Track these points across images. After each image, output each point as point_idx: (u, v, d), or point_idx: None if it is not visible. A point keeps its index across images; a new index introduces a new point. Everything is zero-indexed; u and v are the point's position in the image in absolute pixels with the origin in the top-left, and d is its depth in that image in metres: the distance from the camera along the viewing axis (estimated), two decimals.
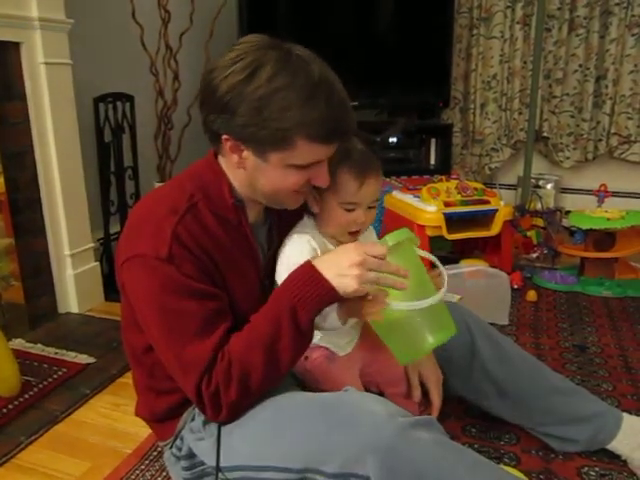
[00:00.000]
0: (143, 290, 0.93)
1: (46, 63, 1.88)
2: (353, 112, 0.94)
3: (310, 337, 0.95)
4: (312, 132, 0.88)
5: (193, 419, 1.05)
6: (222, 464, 0.99)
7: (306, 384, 1.12)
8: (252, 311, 1.00)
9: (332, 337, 1.11)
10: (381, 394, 1.22)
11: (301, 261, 0.95)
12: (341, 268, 0.89)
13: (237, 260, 0.99)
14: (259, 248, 1.04)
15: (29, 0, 1.81)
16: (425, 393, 1.19)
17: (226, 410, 0.93)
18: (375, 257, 0.89)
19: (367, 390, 1.16)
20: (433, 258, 1.03)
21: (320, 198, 1.04)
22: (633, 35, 2.81)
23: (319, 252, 1.04)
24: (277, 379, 0.96)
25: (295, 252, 1.03)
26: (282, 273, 1.01)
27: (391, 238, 0.94)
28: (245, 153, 0.93)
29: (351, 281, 0.88)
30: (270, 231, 1.08)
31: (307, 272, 0.91)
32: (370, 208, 1.06)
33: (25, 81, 1.86)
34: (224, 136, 0.92)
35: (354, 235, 1.08)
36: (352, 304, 0.94)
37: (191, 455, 1.07)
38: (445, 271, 1.01)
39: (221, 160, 1.00)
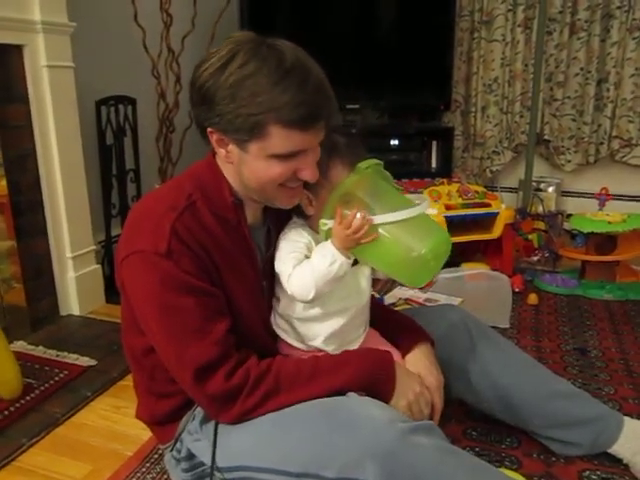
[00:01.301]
0: (142, 286, 0.94)
1: (49, 66, 1.89)
2: (332, 98, 0.92)
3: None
4: (284, 117, 0.87)
5: (193, 420, 1.05)
6: (221, 464, 1.00)
7: None
8: (251, 312, 1.00)
9: (340, 336, 1.10)
10: None
11: (297, 238, 1.02)
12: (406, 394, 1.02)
13: (235, 260, 0.99)
14: (257, 249, 1.05)
15: (32, 3, 1.82)
16: None
17: (236, 413, 0.95)
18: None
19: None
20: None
21: (315, 198, 1.04)
22: (634, 38, 2.81)
23: (313, 244, 1.04)
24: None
25: (291, 235, 1.05)
26: (282, 257, 1.03)
27: (363, 164, 0.98)
28: (230, 146, 0.93)
29: (403, 404, 1.02)
30: (268, 233, 1.08)
31: (384, 360, 1.03)
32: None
33: (28, 84, 1.86)
34: (208, 129, 0.93)
35: None
36: (344, 237, 0.96)
37: (190, 456, 1.07)
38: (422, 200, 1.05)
39: (217, 159, 1.01)
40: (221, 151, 0.95)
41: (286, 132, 0.88)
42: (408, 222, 0.95)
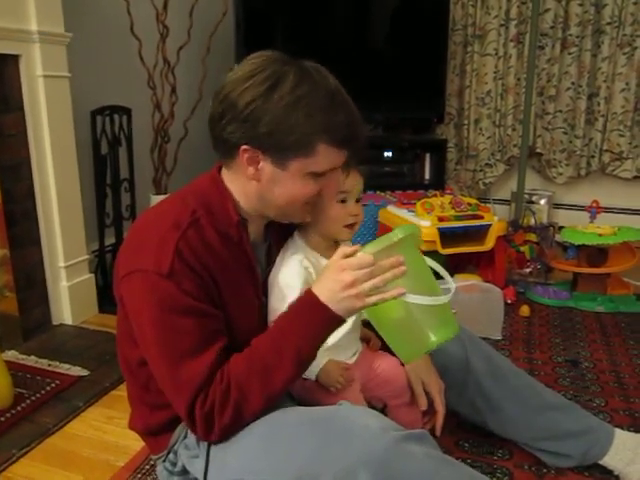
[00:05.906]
0: (142, 305, 0.93)
1: (44, 76, 1.89)
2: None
3: (310, 363, 0.96)
4: (334, 136, 0.92)
5: (187, 435, 1.05)
6: None
7: (305, 402, 1.11)
8: (248, 329, 1.00)
9: (335, 351, 1.11)
10: (384, 407, 1.22)
11: (293, 283, 1.01)
12: (336, 294, 0.89)
13: (236, 277, 0.99)
14: (258, 265, 1.05)
15: (29, 14, 1.83)
16: (428, 402, 1.19)
17: (218, 432, 0.94)
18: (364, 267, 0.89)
19: (370, 406, 1.16)
20: (436, 265, 1.03)
21: (313, 206, 1.05)
22: (624, 54, 2.85)
23: (312, 270, 1.06)
24: (271, 404, 0.96)
25: (288, 274, 1.05)
26: (275, 293, 1.04)
27: (400, 231, 0.92)
28: (262, 164, 0.94)
29: (351, 303, 0.89)
30: (269, 249, 1.09)
31: (310, 302, 0.92)
32: (357, 202, 1.10)
33: (23, 93, 1.87)
34: (243, 147, 0.92)
35: (351, 228, 1.10)
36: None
37: (185, 472, 1.07)
38: (449, 276, 1.01)
39: (226, 176, 1.00)
40: (249, 169, 0.95)
41: (330, 150, 0.93)
42: (428, 307, 0.92)
